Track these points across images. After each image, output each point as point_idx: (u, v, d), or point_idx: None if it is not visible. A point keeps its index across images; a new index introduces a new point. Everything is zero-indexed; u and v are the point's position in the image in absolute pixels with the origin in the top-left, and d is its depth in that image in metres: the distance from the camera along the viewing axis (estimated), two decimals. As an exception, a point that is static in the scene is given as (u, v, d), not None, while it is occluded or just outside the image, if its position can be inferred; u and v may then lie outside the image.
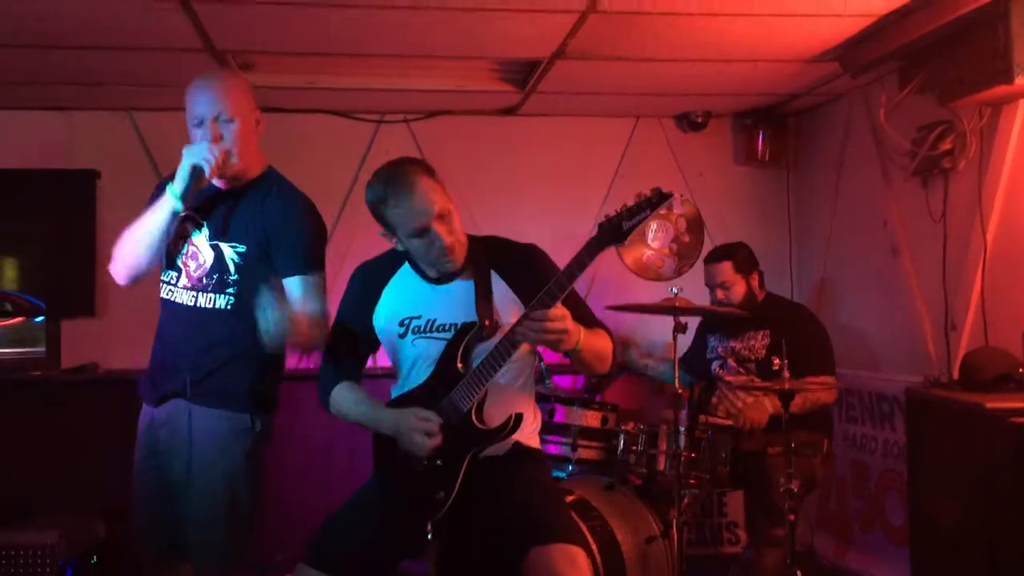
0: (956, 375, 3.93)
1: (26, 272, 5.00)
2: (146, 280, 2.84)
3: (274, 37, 4.02)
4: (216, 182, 2.80)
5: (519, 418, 2.56)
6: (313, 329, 2.68)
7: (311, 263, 2.77)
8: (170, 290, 2.82)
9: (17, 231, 4.99)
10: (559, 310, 2.40)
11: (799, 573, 3.61)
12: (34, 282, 4.93)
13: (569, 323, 2.42)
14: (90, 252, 4.87)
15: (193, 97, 2.75)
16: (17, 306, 4.78)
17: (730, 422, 3.99)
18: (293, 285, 2.73)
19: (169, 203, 2.69)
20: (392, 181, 2.56)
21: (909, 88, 4.14)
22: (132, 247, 2.78)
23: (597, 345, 2.58)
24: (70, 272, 4.94)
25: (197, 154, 2.66)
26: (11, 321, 5.01)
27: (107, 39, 3.94)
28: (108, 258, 2.81)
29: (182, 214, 2.71)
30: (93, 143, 5.05)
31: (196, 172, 2.65)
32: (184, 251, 2.80)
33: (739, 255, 4.19)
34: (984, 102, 3.83)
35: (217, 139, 2.70)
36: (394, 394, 2.76)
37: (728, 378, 4.18)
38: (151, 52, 4.07)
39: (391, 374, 2.82)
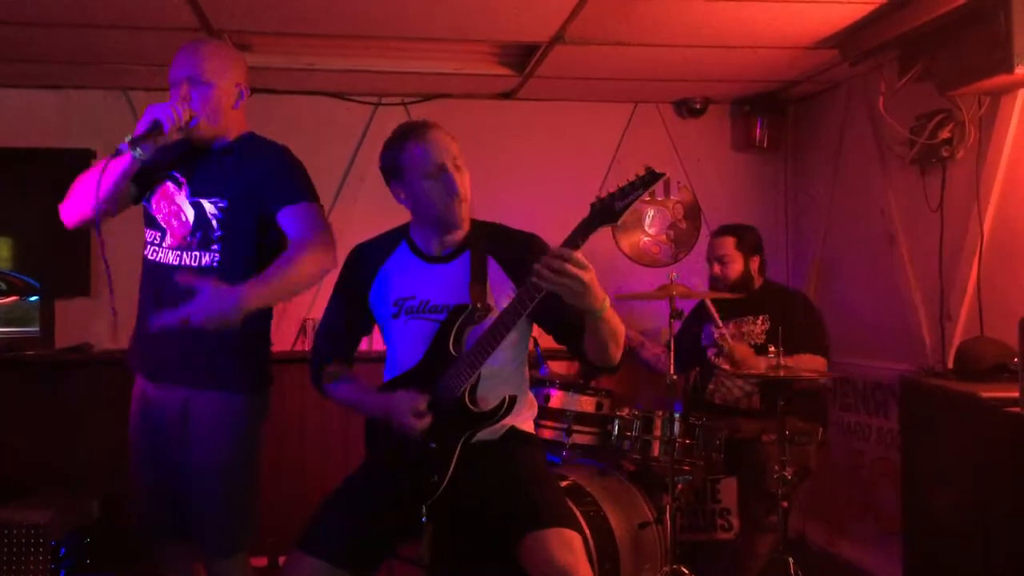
0: (951, 364, 3.94)
1: (20, 251, 4.98)
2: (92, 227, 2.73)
3: (271, 17, 3.99)
4: (196, 143, 2.79)
5: (512, 400, 2.55)
6: (297, 269, 2.60)
7: (301, 193, 2.74)
8: (155, 250, 2.81)
9: (11, 210, 4.97)
10: (583, 258, 2.26)
11: (791, 560, 3.63)
12: (28, 261, 4.92)
13: (594, 277, 2.27)
14: (85, 232, 4.83)
15: (173, 61, 2.76)
16: (11, 285, 4.78)
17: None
18: (286, 216, 2.70)
19: (123, 149, 2.64)
20: (411, 129, 2.63)
21: (908, 76, 4.12)
22: (84, 189, 2.75)
23: (617, 323, 2.45)
24: (64, 251, 4.92)
25: (160, 109, 2.64)
26: (5, 300, 5.00)
27: (103, 17, 3.91)
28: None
29: (127, 148, 2.64)
30: (88, 122, 5.01)
31: (155, 126, 2.62)
32: (167, 210, 2.79)
33: (744, 234, 4.24)
34: (984, 91, 3.82)
35: (185, 99, 2.69)
36: (387, 376, 2.76)
37: (723, 331, 4.14)
38: (147, 31, 4.05)
39: (385, 358, 2.81)
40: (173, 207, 2.78)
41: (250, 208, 2.72)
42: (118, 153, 2.65)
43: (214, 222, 2.73)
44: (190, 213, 2.76)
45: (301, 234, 2.67)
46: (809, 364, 3.93)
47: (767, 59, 4.54)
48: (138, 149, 2.62)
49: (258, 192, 2.72)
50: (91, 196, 2.67)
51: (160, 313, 2.47)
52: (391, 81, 4.95)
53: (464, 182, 2.62)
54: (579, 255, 2.26)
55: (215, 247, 2.73)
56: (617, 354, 2.51)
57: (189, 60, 2.72)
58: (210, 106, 2.72)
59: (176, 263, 2.75)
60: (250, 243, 2.73)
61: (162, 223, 2.80)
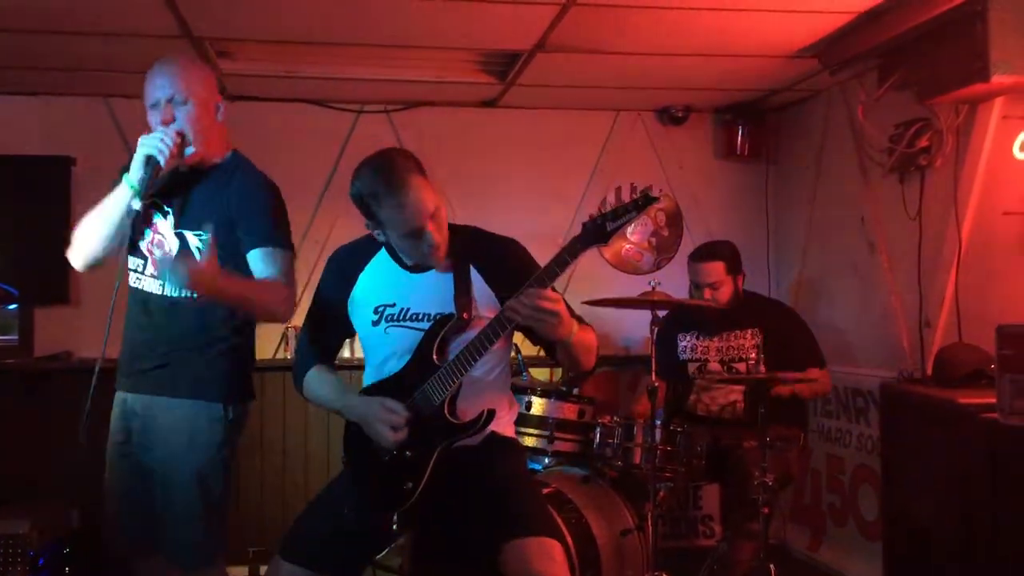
0: (930, 371, 3.97)
1: (-1, 258, 4.94)
2: (106, 266, 2.79)
3: (253, 24, 3.99)
4: (181, 168, 2.77)
5: (491, 414, 2.55)
6: (266, 294, 2.66)
7: (276, 238, 2.73)
8: (138, 278, 2.79)
9: (-10, 217, 4.94)
10: (554, 293, 2.37)
11: (772, 567, 3.63)
12: (7, 269, 4.87)
13: (563, 308, 2.39)
14: (64, 239, 4.77)
15: (148, 81, 2.71)
16: (-10, 293, 4.74)
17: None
18: (256, 257, 2.70)
19: (125, 194, 2.64)
20: (386, 180, 2.49)
21: (887, 85, 4.16)
22: (88, 234, 2.74)
23: (587, 338, 2.55)
24: (44, 259, 4.84)
25: (151, 143, 2.61)
26: (-16, 308, 4.96)
27: (85, 25, 3.90)
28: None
29: (140, 206, 2.65)
30: (69, 129, 5.00)
31: (151, 162, 2.60)
32: (149, 239, 2.77)
33: (730, 256, 4.14)
34: (961, 100, 3.86)
35: (169, 121, 2.66)
36: (366, 382, 2.74)
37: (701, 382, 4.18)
38: (129, 38, 4.03)
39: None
40: (156, 236, 2.76)
41: (232, 239, 2.70)
42: (131, 212, 2.65)
43: (198, 253, 2.70)
44: (174, 243, 2.74)
45: (275, 277, 2.68)
46: (824, 380, 4.02)
47: (748, 68, 4.57)
48: (137, 197, 2.62)
49: (235, 227, 2.71)
50: (98, 238, 2.71)
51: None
52: (373, 89, 4.95)
53: (441, 229, 2.58)
54: (550, 292, 2.36)
55: None
56: (590, 362, 2.60)
57: (166, 80, 2.68)
58: (197, 124, 2.69)
59: (158, 292, 2.74)
60: (233, 273, 2.70)
61: (144, 251, 2.78)
